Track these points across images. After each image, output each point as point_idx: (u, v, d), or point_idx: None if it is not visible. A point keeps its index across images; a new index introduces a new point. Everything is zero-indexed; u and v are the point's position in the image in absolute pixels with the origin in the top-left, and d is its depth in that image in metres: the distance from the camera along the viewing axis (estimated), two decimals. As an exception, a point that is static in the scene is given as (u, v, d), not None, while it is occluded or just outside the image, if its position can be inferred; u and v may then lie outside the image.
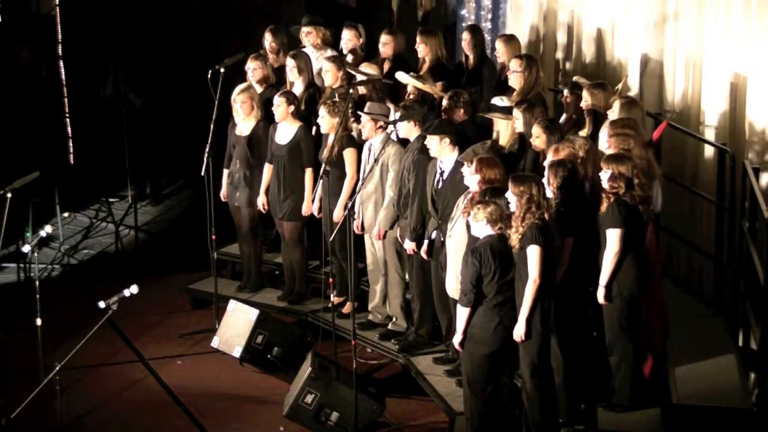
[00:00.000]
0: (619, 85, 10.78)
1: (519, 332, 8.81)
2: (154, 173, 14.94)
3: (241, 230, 11.95)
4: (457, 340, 9.06)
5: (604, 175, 9.06)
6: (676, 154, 11.24)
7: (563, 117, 10.55)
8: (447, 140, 9.91)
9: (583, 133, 10.00)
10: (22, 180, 10.29)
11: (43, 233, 10.24)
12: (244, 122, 11.65)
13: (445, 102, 10.49)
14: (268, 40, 12.35)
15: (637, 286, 9.14)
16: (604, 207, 9.06)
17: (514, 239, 8.78)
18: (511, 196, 8.83)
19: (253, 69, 11.91)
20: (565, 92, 10.59)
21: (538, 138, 9.65)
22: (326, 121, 11.03)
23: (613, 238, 9.02)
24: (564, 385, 9.22)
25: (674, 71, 11.23)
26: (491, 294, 8.90)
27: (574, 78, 10.96)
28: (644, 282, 9.20)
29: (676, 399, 9.19)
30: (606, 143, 9.48)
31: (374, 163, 10.67)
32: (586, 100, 10.14)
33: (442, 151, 9.94)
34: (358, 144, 11.00)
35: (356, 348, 10.20)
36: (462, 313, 8.97)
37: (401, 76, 11.12)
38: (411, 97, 10.95)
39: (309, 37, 12.29)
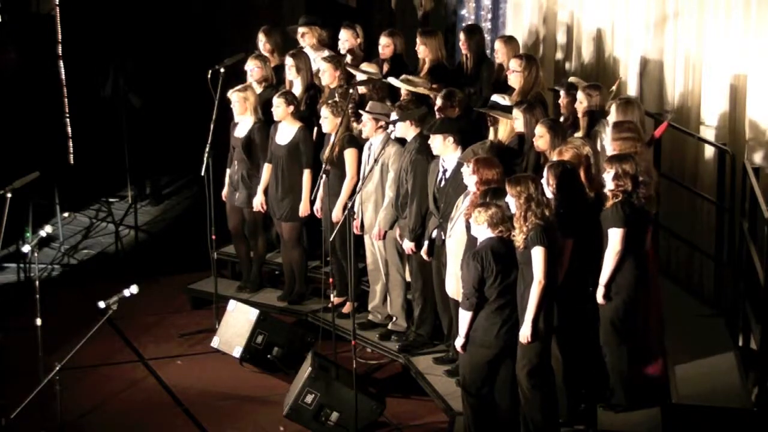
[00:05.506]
0: (614, 87, 10.79)
1: (525, 333, 8.78)
2: (154, 173, 14.94)
3: (237, 231, 11.96)
4: (459, 343, 9.04)
5: (608, 176, 9.05)
6: (676, 154, 11.25)
7: (561, 118, 10.56)
8: (450, 139, 9.92)
9: (579, 134, 10.01)
10: (22, 180, 10.28)
11: (43, 233, 10.22)
12: (241, 123, 11.66)
13: (439, 101, 10.49)
14: (261, 41, 12.36)
15: (635, 288, 9.13)
16: (608, 205, 9.06)
17: (519, 239, 8.77)
18: (509, 198, 8.83)
19: (252, 69, 11.91)
20: (562, 93, 10.60)
21: (541, 138, 9.64)
22: (329, 121, 11.03)
23: (614, 237, 9.02)
24: (564, 385, 9.23)
25: (674, 71, 11.24)
26: (493, 297, 8.89)
27: (570, 78, 10.96)
28: (642, 283, 9.20)
29: (676, 399, 9.20)
30: (610, 146, 9.48)
31: (374, 163, 10.68)
32: (582, 101, 10.14)
33: (445, 150, 9.95)
34: (359, 144, 11.00)
35: (356, 348, 10.20)
36: (464, 317, 8.96)
37: (392, 80, 11.10)
38: (406, 97, 10.95)
39: (305, 37, 12.28)
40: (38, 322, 9.97)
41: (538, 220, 8.73)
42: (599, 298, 9.11)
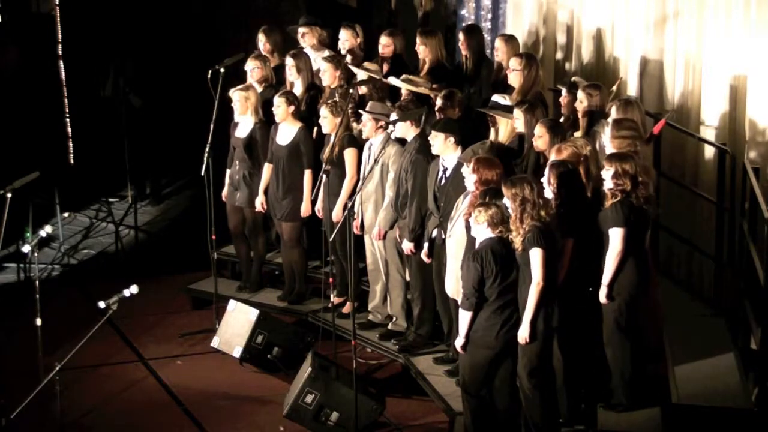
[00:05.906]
0: (614, 87, 10.78)
1: (523, 334, 8.80)
2: (154, 173, 14.94)
3: (237, 231, 11.96)
4: (459, 343, 9.04)
5: (607, 174, 9.04)
6: (676, 154, 11.25)
7: (561, 117, 10.56)
8: (452, 139, 9.93)
9: (578, 134, 10.01)
10: (22, 180, 10.28)
11: (43, 233, 10.22)
12: (242, 123, 11.65)
13: (439, 101, 10.49)
14: (261, 41, 12.35)
15: (636, 288, 9.13)
16: (607, 205, 9.05)
17: (517, 242, 8.77)
18: (506, 200, 8.83)
19: (252, 69, 11.90)
20: (563, 91, 10.60)
21: (540, 138, 9.64)
22: (329, 122, 11.04)
23: (615, 237, 9.01)
24: (564, 385, 9.23)
25: (674, 71, 11.24)
26: (493, 297, 8.89)
27: (573, 78, 10.96)
28: (643, 283, 9.19)
29: (676, 399, 9.19)
30: (609, 144, 9.48)
31: (374, 163, 10.68)
32: (582, 101, 10.14)
33: (446, 150, 9.96)
34: (359, 144, 11.00)
35: (356, 348, 10.19)
36: (464, 317, 8.96)
37: (393, 80, 11.11)
38: (406, 97, 10.95)
39: (306, 37, 12.28)
40: (38, 322, 9.97)
41: (534, 222, 8.73)
42: (602, 297, 9.10)
